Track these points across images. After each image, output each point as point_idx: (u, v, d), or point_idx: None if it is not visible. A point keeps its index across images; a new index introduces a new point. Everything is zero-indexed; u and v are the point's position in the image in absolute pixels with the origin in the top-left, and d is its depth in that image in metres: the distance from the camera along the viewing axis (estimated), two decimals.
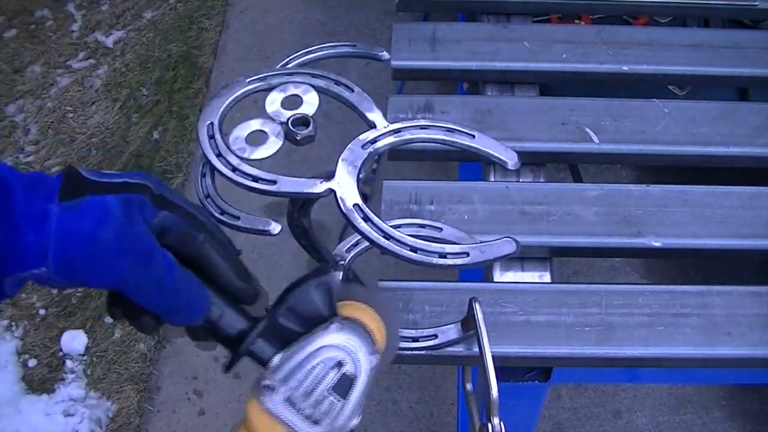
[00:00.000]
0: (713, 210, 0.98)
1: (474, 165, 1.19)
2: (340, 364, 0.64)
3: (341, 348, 0.65)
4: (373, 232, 0.70)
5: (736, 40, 1.19)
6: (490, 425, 0.74)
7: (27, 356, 2.02)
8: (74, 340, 2.02)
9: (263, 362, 0.65)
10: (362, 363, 0.65)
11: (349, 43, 0.84)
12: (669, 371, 1.04)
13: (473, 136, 0.82)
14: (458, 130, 0.81)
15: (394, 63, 1.14)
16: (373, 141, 0.77)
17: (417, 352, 0.84)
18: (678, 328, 0.88)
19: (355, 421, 0.66)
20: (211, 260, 0.64)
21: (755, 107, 1.10)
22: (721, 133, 1.06)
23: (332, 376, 0.64)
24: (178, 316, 0.63)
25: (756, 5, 1.26)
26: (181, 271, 0.62)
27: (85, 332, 2.05)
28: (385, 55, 0.83)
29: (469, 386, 0.96)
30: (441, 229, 0.89)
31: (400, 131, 0.79)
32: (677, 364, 0.89)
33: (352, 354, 0.65)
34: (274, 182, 0.70)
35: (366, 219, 0.70)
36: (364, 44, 0.85)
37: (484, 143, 0.83)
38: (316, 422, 0.63)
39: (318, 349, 0.64)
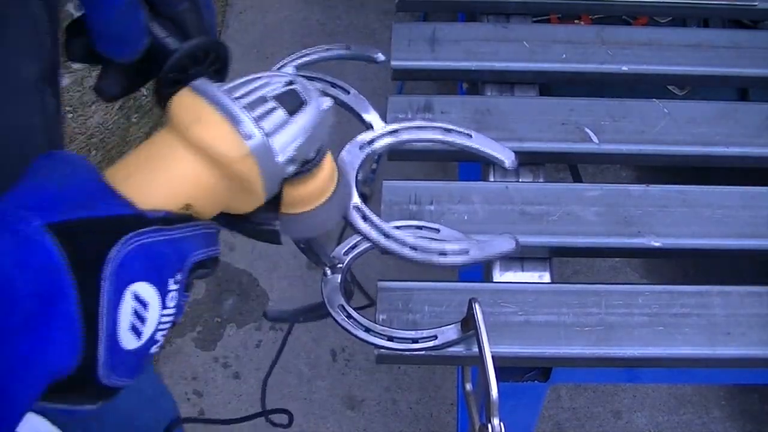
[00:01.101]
0: (713, 210, 0.98)
1: (474, 165, 1.19)
2: (290, 83, 0.57)
3: (292, 76, 0.58)
4: (373, 232, 0.70)
5: (736, 40, 1.19)
6: (490, 426, 0.74)
7: None
8: None
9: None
10: (313, 94, 0.58)
11: (343, 46, 0.84)
12: (669, 371, 1.04)
13: (470, 136, 0.82)
14: (455, 130, 0.81)
15: (394, 63, 1.14)
16: (371, 142, 0.77)
17: (417, 352, 0.84)
18: (678, 328, 0.89)
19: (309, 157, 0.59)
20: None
21: (755, 107, 1.10)
22: (721, 133, 1.06)
23: (277, 86, 0.57)
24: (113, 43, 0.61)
25: (755, 5, 1.26)
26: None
27: None
28: (380, 56, 0.83)
29: (468, 386, 0.96)
30: (438, 230, 0.89)
31: (397, 132, 0.79)
32: (677, 364, 0.89)
33: (303, 83, 0.58)
34: None
35: (366, 219, 0.70)
36: (359, 46, 0.84)
37: (481, 143, 0.83)
38: (256, 118, 0.54)
39: (265, 74, 0.58)
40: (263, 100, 0.55)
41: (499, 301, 0.90)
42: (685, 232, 0.96)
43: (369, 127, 0.78)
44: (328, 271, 0.83)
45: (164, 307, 0.52)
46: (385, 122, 1.07)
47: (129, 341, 0.50)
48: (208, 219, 0.56)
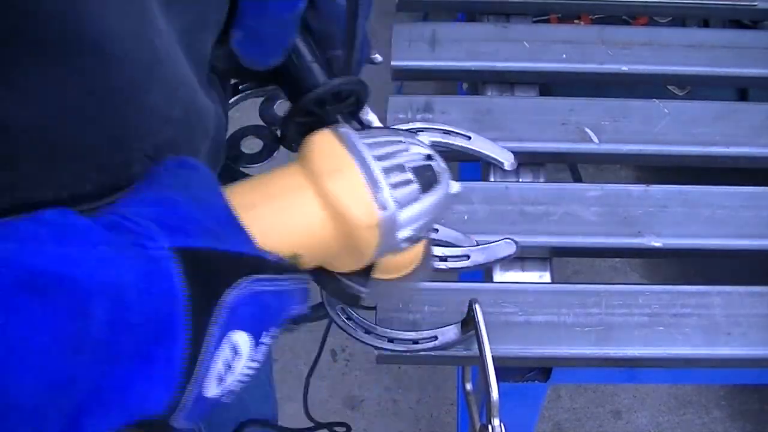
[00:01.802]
0: (713, 210, 0.98)
1: (474, 165, 1.19)
2: (429, 157, 0.55)
3: (430, 148, 0.56)
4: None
5: (736, 40, 1.19)
6: (490, 426, 0.74)
7: None
8: None
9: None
10: (445, 175, 0.56)
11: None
12: (669, 371, 1.04)
13: (469, 138, 0.83)
14: (454, 132, 0.81)
15: (394, 63, 1.14)
16: None
17: (417, 353, 0.84)
18: (678, 328, 0.88)
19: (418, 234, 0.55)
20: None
21: (755, 107, 1.10)
22: (721, 133, 1.06)
23: (417, 157, 0.54)
24: (261, 44, 0.57)
25: (755, 5, 1.26)
26: None
27: None
28: (378, 57, 0.82)
29: (468, 386, 0.96)
30: (437, 230, 0.89)
31: None
32: (677, 364, 0.89)
33: (439, 160, 0.56)
34: None
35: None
36: None
37: (480, 144, 0.84)
38: (392, 186, 0.52)
39: (405, 135, 0.56)
40: (401, 168, 0.53)
41: (500, 302, 0.90)
42: (685, 232, 0.96)
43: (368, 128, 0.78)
44: None
45: (251, 359, 0.48)
46: (385, 123, 1.07)
47: (212, 389, 0.46)
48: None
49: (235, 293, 0.45)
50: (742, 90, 1.47)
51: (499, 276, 0.96)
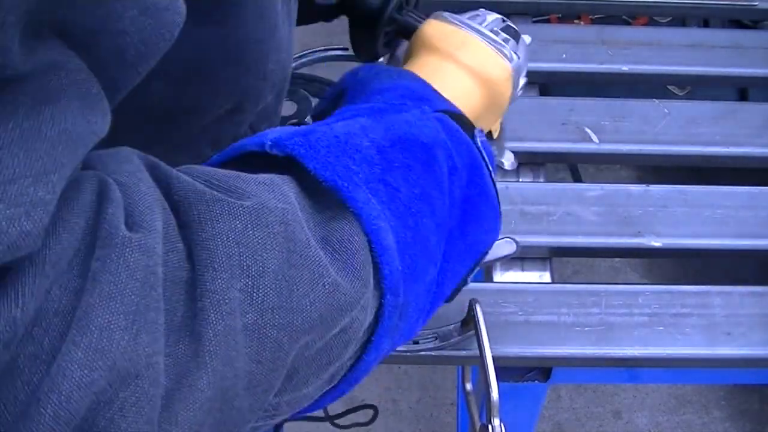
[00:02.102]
0: (713, 210, 0.98)
1: None
2: (504, 19, 0.64)
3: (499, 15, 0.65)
4: None
5: (736, 40, 1.19)
6: (490, 426, 0.74)
7: None
8: None
9: (409, 31, 0.63)
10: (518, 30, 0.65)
11: (340, 47, 0.83)
12: (669, 371, 1.04)
13: None
14: None
15: None
16: None
17: (417, 353, 0.84)
18: (678, 328, 0.88)
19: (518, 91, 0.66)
20: None
21: (755, 107, 1.10)
22: (721, 133, 1.06)
23: (498, 21, 0.63)
24: None
25: (755, 5, 1.26)
26: None
27: None
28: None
29: (468, 386, 0.96)
30: None
31: None
32: (677, 364, 0.89)
33: (511, 21, 0.65)
34: None
35: None
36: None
37: None
38: (503, 41, 0.61)
39: (476, 10, 0.64)
40: (496, 32, 0.61)
41: (500, 301, 0.90)
42: (685, 232, 0.96)
43: None
44: None
45: None
46: None
47: None
48: None
49: (479, 141, 0.54)
50: (742, 90, 1.47)
51: (499, 276, 0.96)
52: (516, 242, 0.76)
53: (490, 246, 0.55)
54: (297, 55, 0.81)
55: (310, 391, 0.41)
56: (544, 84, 1.17)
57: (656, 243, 0.95)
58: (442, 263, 0.47)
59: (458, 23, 0.60)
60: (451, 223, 0.48)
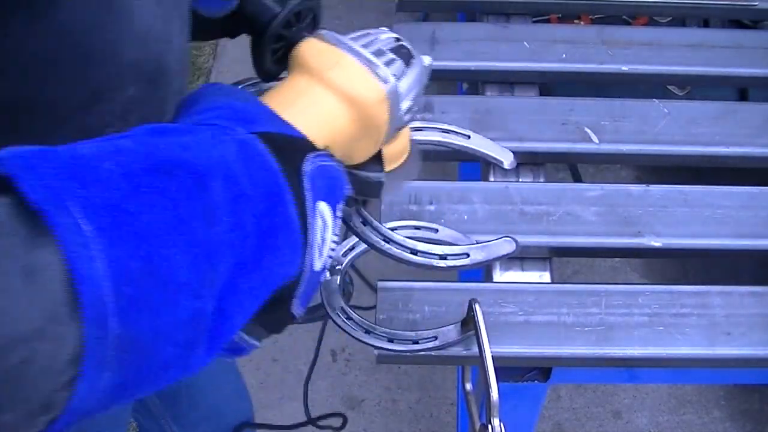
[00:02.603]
0: (713, 210, 0.98)
1: (474, 165, 1.20)
2: (398, 39, 0.61)
3: (395, 33, 0.62)
4: (374, 236, 0.70)
5: (736, 40, 1.19)
6: (490, 426, 0.74)
7: None
8: None
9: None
10: (415, 51, 0.61)
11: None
12: (669, 371, 1.04)
13: (468, 137, 0.82)
14: (453, 131, 0.81)
15: None
16: None
17: (417, 353, 0.84)
18: (677, 328, 0.88)
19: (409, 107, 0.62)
20: None
21: (755, 107, 1.10)
22: (721, 133, 1.06)
23: (390, 40, 0.61)
24: None
25: (755, 5, 1.26)
26: None
27: None
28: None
29: (468, 386, 0.96)
30: (437, 230, 0.89)
31: None
32: (677, 364, 0.89)
33: (406, 41, 0.62)
34: None
35: (366, 223, 0.70)
36: None
37: (479, 143, 0.84)
38: (385, 62, 0.58)
39: (371, 29, 0.62)
40: (382, 52, 0.59)
41: (499, 301, 0.90)
42: (685, 232, 0.96)
43: None
44: (327, 273, 0.82)
45: (334, 232, 0.52)
46: None
47: (317, 261, 0.51)
48: None
49: (309, 166, 0.50)
50: (742, 90, 1.47)
51: (498, 276, 0.96)
52: (515, 241, 0.76)
53: (291, 279, 0.50)
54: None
55: (9, 420, 0.39)
56: (544, 84, 1.17)
57: (656, 243, 0.95)
58: (227, 293, 0.45)
59: (336, 42, 0.57)
60: (239, 252, 0.45)
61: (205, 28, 0.65)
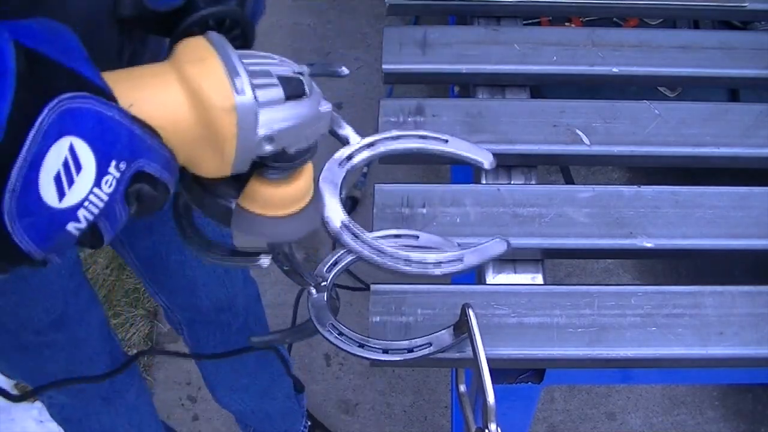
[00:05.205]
0: (704, 210, 0.98)
1: (466, 168, 1.19)
2: (300, 73, 0.59)
3: (304, 69, 0.59)
4: (366, 250, 0.70)
5: (726, 41, 1.19)
6: (486, 431, 0.73)
7: None
8: None
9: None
10: (316, 93, 0.59)
11: (305, 63, 0.82)
12: (662, 372, 1.05)
13: (446, 141, 0.83)
14: (431, 137, 0.82)
15: (385, 67, 1.14)
16: (349, 157, 0.77)
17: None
18: (670, 329, 0.89)
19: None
20: None
21: (745, 108, 1.11)
22: (712, 134, 1.06)
23: (286, 69, 0.58)
24: None
25: (745, 6, 1.27)
26: None
27: None
28: (344, 70, 0.79)
29: (462, 388, 0.95)
30: (417, 236, 0.87)
31: (373, 144, 0.79)
32: (670, 364, 0.90)
33: (311, 81, 0.59)
34: None
35: (357, 238, 0.70)
36: (321, 62, 0.84)
37: (458, 146, 0.84)
38: (255, 85, 0.55)
39: (283, 58, 0.59)
40: (268, 74, 0.56)
41: (492, 303, 0.90)
42: (677, 232, 0.96)
43: (345, 141, 0.78)
44: (313, 291, 0.81)
45: (97, 184, 0.51)
46: (378, 126, 1.07)
47: (48, 193, 0.49)
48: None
49: (76, 100, 0.49)
50: (733, 91, 1.48)
51: (491, 278, 0.96)
52: (507, 242, 0.76)
53: None
54: None
55: None
56: (535, 86, 1.17)
57: (648, 244, 0.95)
58: None
59: (217, 46, 0.55)
60: None
61: (147, 22, 0.65)
